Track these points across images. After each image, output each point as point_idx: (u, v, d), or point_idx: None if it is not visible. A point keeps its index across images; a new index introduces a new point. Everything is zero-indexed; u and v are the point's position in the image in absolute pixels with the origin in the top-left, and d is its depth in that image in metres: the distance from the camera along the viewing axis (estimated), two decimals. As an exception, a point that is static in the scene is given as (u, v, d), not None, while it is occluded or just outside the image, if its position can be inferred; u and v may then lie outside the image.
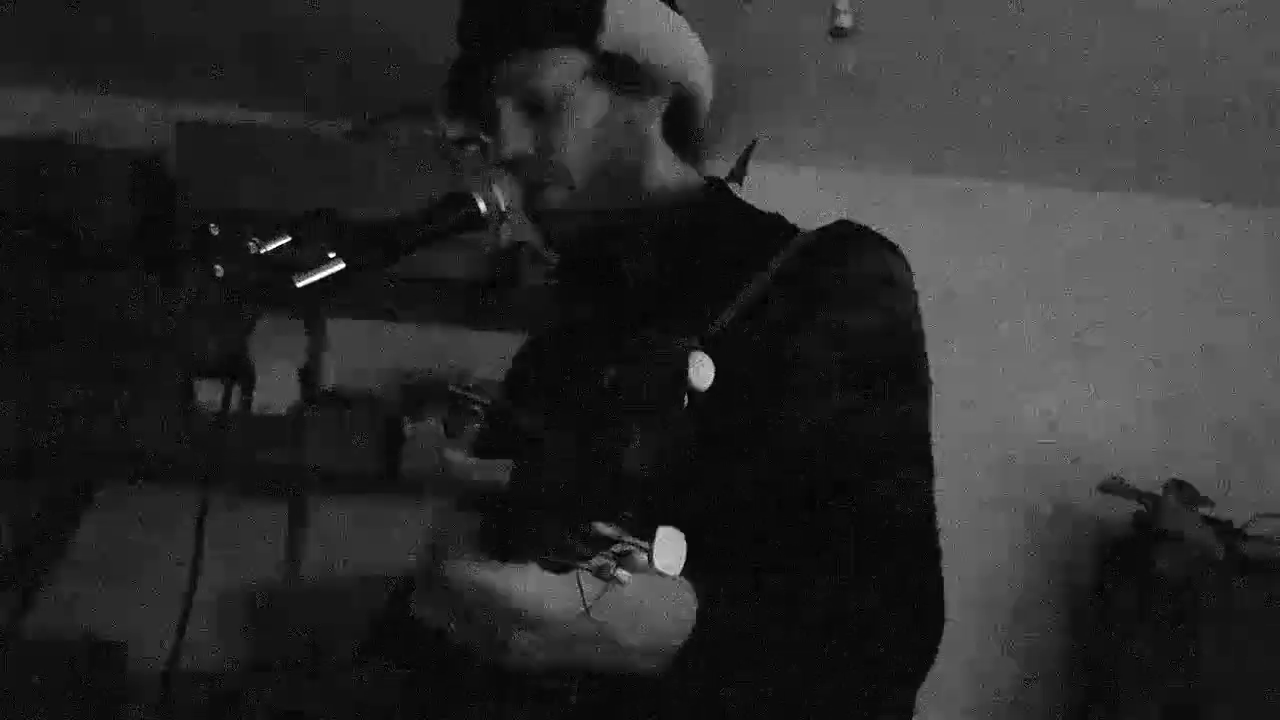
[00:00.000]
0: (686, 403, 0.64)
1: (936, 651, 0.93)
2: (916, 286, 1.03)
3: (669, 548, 0.68)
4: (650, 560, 0.67)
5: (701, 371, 0.64)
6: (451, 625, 0.76)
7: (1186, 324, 3.22)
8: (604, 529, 0.66)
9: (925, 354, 1.00)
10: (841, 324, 0.96)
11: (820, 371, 0.95)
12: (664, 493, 0.94)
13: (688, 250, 1.07)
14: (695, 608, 0.81)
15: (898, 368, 0.97)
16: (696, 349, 0.64)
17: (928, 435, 0.98)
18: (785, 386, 0.95)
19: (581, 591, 0.70)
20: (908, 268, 1.02)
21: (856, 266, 0.99)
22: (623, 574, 0.69)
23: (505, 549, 0.70)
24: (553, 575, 0.70)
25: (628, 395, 0.64)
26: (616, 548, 0.67)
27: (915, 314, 1.00)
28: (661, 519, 0.90)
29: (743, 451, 0.93)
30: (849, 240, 1.02)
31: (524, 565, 0.70)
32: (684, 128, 1.14)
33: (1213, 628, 2.57)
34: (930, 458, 0.97)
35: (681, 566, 0.68)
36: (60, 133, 2.66)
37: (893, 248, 1.02)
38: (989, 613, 3.05)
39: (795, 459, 0.93)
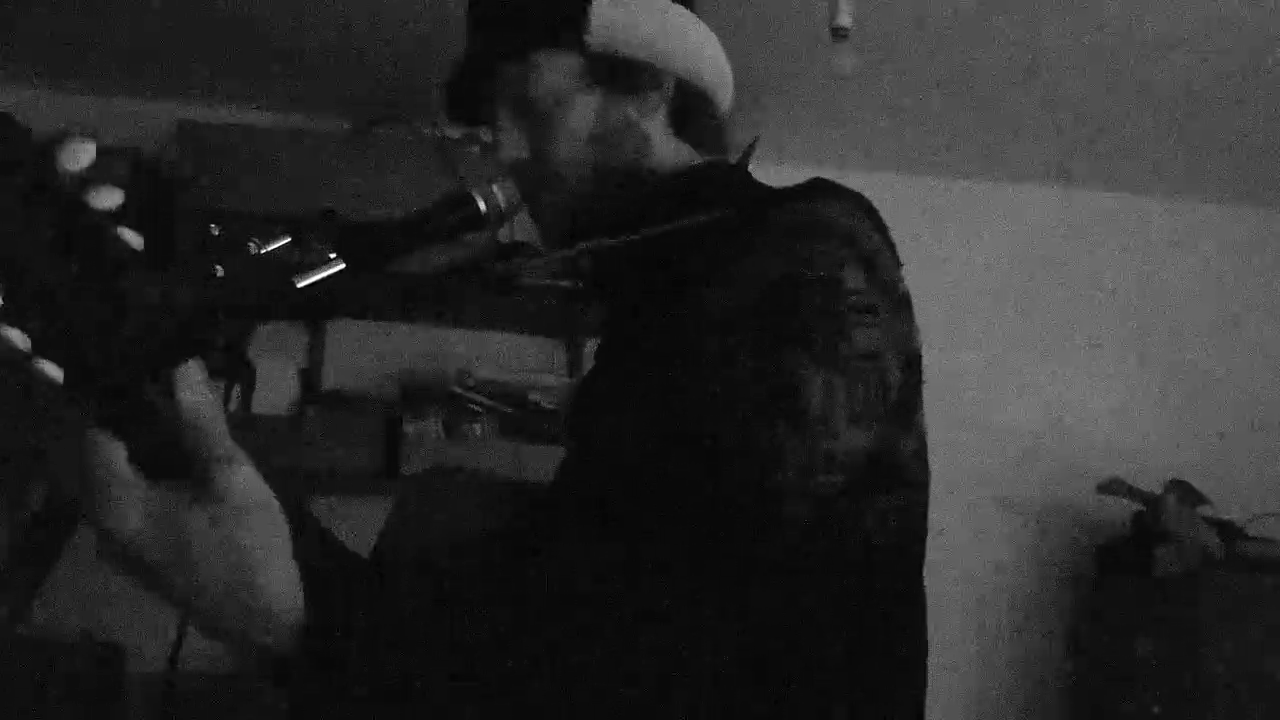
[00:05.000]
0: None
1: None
2: (904, 263, 0.93)
3: None
4: None
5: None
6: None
7: (1186, 324, 3.21)
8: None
9: (851, 309, 0.85)
10: (748, 270, 0.87)
11: (707, 319, 0.86)
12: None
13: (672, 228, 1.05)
14: (297, 576, 0.70)
15: (791, 318, 0.84)
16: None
17: (802, 394, 0.81)
18: (675, 338, 0.88)
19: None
20: (867, 218, 0.91)
21: (787, 214, 0.90)
22: None
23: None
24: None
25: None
26: None
27: (845, 263, 0.86)
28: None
29: (623, 408, 0.90)
30: (800, 191, 0.94)
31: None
32: (699, 121, 1.12)
33: (1213, 628, 2.57)
34: (804, 421, 0.81)
35: None
36: (60, 132, 2.65)
37: (851, 197, 0.92)
38: (988, 613, 3.05)
39: (658, 412, 0.85)
